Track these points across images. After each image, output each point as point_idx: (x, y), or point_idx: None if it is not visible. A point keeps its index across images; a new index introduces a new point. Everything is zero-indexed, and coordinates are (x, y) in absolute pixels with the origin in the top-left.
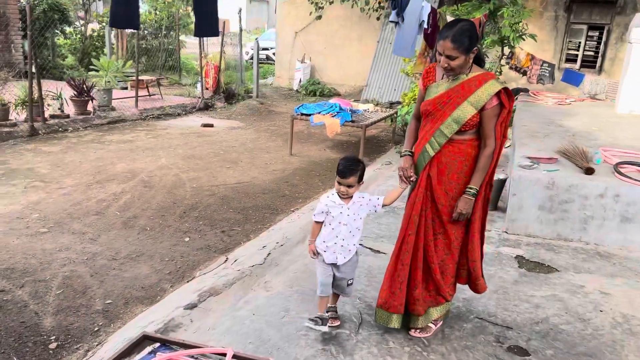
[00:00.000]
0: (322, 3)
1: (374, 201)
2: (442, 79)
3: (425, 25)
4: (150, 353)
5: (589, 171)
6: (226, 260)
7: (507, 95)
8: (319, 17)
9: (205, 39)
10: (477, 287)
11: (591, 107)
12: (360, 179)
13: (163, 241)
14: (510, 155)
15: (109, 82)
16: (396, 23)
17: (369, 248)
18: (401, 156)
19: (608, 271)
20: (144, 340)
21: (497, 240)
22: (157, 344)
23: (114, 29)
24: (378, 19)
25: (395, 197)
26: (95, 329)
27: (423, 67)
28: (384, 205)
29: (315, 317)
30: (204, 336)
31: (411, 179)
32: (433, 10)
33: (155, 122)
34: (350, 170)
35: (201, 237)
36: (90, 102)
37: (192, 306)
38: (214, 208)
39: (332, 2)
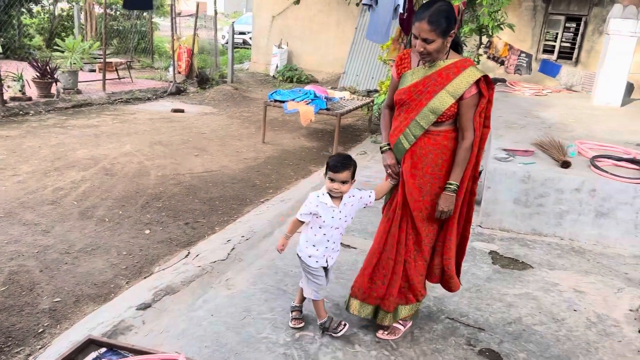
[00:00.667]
0: None
1: (365, 199)
2: (417, 65)
3: (400, 10)
4: (95, 359)
5: (565, 165)
6: (187, 255)
7: (486, 84)
8: (297, 2)
9: (178, 20)
10: (450, 285)
11: (567, 99)
12: (352, 176)
13: (122, 233)
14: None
15: (74, 63)
16: (369, 6)
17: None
18: (382, 151)
19: (583, 268)
20: (90, 344)
21: (471, 234)
22: (104, 349)
23: (83, 9)
24: (357, 4)
25: (385, 190)
26: (40, 330)
27: (398, 53)
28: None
29: (324, 322)
30: (156, 340)
31: (399, 175)
32: None
33: (123, 107)
34: (343, 164)
35: (163, 230)
36: (54, 84)
37: (145, 306)
38: (179, 198)
39: None
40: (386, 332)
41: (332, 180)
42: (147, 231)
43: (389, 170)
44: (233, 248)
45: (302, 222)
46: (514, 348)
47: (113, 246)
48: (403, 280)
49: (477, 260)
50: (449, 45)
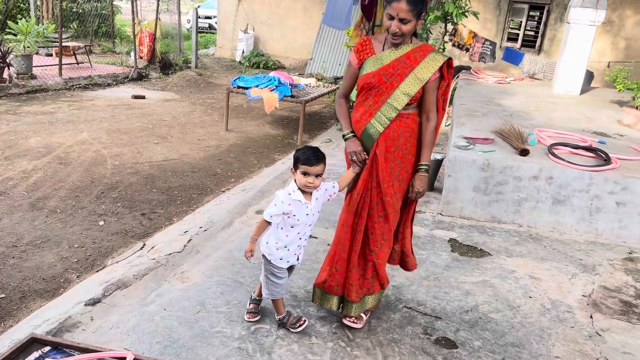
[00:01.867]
0: None
1: (330, 190)
2: (382, 50)
3: None
4: (38, 358)
5: (524, 152)
6: (143, 247)
7: (447, 67)
8: None
9: (140, 4)
10: (407, 265)
11: (529, 87)
12: (324, 170)
13: (74, 225)
14: (449, 134)
15: (28, 47)
16: None
17: None
18: (345, 139)
19: (539, 254)
20: (33, 343)
21: (432, 222)
22: (47, 348)
23: None
24: None
25: (348, 180)
26: None
27: (359, 39)
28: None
29: (282, 318)
30: (104, 336)
31: (366, 162)
32: None
33: (81, 93)
34: (317, 157)
35: (118, 221)
36: (6, 69)
37: (94, 301)
38: (136, 188)
39: None
40: (353, 319)
41: (305, 174)
42: (102, 222)
43: (354, 157)
44: (190, 239)
45: (270, 224)
46: (469, 336)
47: (64, 238)
48: (370, 270)
49: (437, 248)
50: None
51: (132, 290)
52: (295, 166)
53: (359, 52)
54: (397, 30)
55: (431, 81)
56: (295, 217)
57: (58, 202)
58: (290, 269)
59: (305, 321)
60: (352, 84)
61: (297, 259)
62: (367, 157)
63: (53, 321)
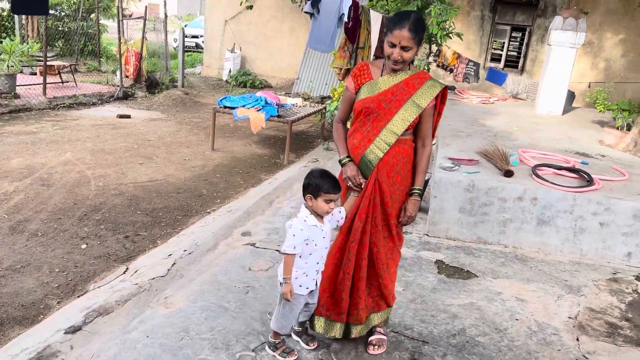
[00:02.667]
0: None
1: (336, 215)
2: (381, 76)
3: (345, 19)
4: None
5: (508, 174)
6: (126, 271)
7: (442, 96)
8: (250, 7)
9: (127, 23)
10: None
11: (513, 107)
12: None
13: (56, 249)
14: (434, 154)
15: (12, 66)
16: (311, 15)
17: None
18: (342, 164)
19: (525, 276)
20: None
21: (418, 243)
22: None
23: None
24: None
25: (353, 207)
26: None
27: (343, 61)
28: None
29: (276, 343)
30: None
31: (362, 186)
32: (355, 3)
33: (65, 112)
34: (337, 183)
35: (101, 244)
36: None
37: (75, 329)
38: (120, 210)
39: None
40: (377, 347)
41: (329, 201)
42: (84, 246)
43: (350, 183)
44: (174, 263)
45: (294, 256)
46: None
47: (45, 263)
48: (376, 289)
49: (424, 270)
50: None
51: (114, 316)
52: (316, 194)
53: (357, 77)
54: (399, 57)
55: (428, 108)
56: (313, 243)
57: (39, 224)
58: (311, 295)
59: (296, 355)
60: (350, 109)
61: (316, 284)
62: (363, 180)
63: (31, 350)
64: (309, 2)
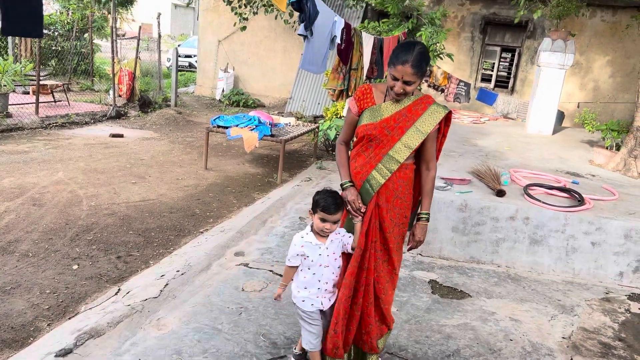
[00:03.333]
0: (246, 14)
1: (346, 238)
2: (384, 101)
3: (338, 41)
4: None
5: (500, 193)
6: (117, 292)
7: (446, 120)
8: (244, 28)
9: (120, 43)
10: None
11: (504, 127)
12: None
13: (47, 269)
14: None
15: (4, 85)
16: (305, 37)
17: (280, 275)
18: (343, 188)
19: (518, 295)
20: None
21: (412, 263)
22: None
23: None
24: None
25: (360, 235)
26: None
27: (337, 82)
28: (352, 247)
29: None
30: None
31: (362, 210)
32: (347, 26)
33: (58, 131)
34: (337, 205)
35: (92, 265)
36: None
37: (65, 352)
38: (112, 230)
39: (256, 13)
40: None
41: (323, 220)
42: (75, 266)
43: (349, 207)
44: (167, 284)
45: (294, 268)
46: None
47: (36, 284)
48: (378, 314)
49: (417, 290)
50: None
51: (105, 339)
52: (314, 210)
53: (360, 100)
54: (401, 91)
55: (431, 133)
56: (309, 259)
57: (30, 245)
58: (324, 315)
59: None
60: (352, 131)
61: (322, 303)
62: (362, 206)
63: None
64: (302, 25)
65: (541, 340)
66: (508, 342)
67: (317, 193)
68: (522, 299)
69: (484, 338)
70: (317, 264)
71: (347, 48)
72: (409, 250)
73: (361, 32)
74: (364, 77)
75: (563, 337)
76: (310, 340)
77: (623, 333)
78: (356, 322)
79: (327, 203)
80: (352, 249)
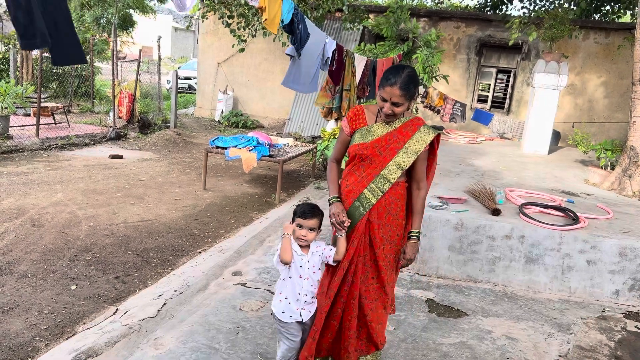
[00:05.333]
0: (244, 36)
1: (326, 251)
2: (375, 122)
3: (329, 62)
4: None
5: (496, 212)
6: (116, 312)
7: (436, 141)
8: (242, 50)
9: (120, 65)
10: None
11: (500, 147)
12: (319, 225)
13: (45, 290)
14: None
15: (6, 108)
16: (291, 56)
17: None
18: (330, 204)
19: (515, 314)
20: None
21: (409, 282)
22: None
23: (19, 52)
24: None
25: (344, 249)
26: None
27: (325, 100)
28: (335, 261)
29: None
30: None
31: (345, 225)
32: (338, 47)
33: (57, 153)
34: (312, 211)
35: (91, 285)
36: None
37: None
38: (110, 250)
39: (255, 36)
40: None
41: (299, 226)
42: (74, 287)
43: (333, 219)
44: (164, 304)
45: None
46: None
47: (34, 304)
48: (364, 332)
49: (414, 309)
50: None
51: (102, 358)
52: (293, 219)
53: (352, 121)
54: (390, 112)
55: (422, 153)
56: (293, 266)
57: (29, 265)
58: (303, 331)
59: None
60: (344, 149)
61: (300, 315)
62: (346, 219)
63: None
64: (291, 46)
65: (538, 358)
66: None
67: (297, 205)
68: (518, 318)
69: (481, 357)
70: (297, 274)
71: (338, 69)
72: (399, 268)
73: (353, 54)
74: (355, 97)
75: (559, 356)
76: (287, 354)
77: (619, 351)
78: (331, 333)
79: (303, 209)
80: (335, 262)
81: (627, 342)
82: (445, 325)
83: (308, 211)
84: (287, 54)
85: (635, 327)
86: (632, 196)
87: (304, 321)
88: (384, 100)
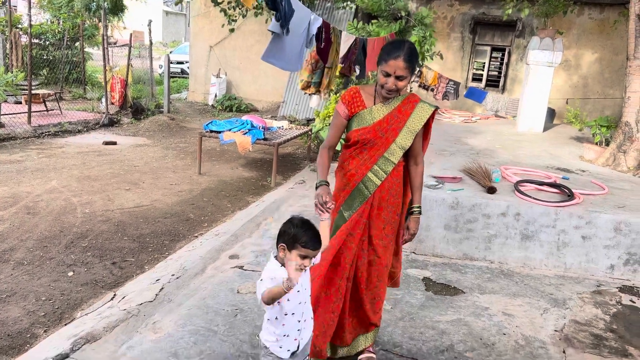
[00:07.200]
0: (235, 16)
1: (315, 259)
2: (374, 104)
3: (316, 41)
4: None
5: (491, 190)
6: (113, 297)
7: (431, 116)
8: (232, 30)
9: (112, 50)
10: (395, 284)
11: (495, 125)
12: None
13: (42, 277)
14: None
15: None
16: (274, 33)
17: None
18: (317, 187)
19: (511, 290)
20: None
21: (405, 261)
22: None
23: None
24: None
25: (328, 235)
26: None
27: (306, 74)
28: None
29: None
30: None
31: (328, 206)
32: (325, 25)
33: (50, 140)
34: (318, 237)
35: (88, 271)
36: None
37: (62, 357)
38: (107, 236)
39: (245, 16)
40: None
41: (304, 257)
42: (71, 273)
43: (316, 200)
44: (162, 288)
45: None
46: None
47: (31, 291)
48: (360, 311)
49: (411, 287)
50: None
51: (101, 343)
52: (291, 245)
53: (350, 104)
54: (394, 87)
55: (419, 130)
56: (285, 299)
57: (25, 253)
58: (293, 356)
59: None
60: (340, 135)
61: (298, 347)
62: (330, 202)
63: None
64: (275, 23)
65: (534, 333)
66: (501, 336)
67: (291, 225)
68: (514, 294)
69: (478, 333)
70: (297, 302)
71: (326, 47)
72: (403, 243)
73: (340, 32)
74: (339, 74)
75: (555, 330)
76: None
77: (614, 324)
78: (333, 327)
79: (309, 237)
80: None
81: (622, 315)
82: (442, 303)
83: (315, 240)
84: (269, 30)
85: (630, 300)
86: (626, 171)
87: (299, 351)
88: (387, 75)
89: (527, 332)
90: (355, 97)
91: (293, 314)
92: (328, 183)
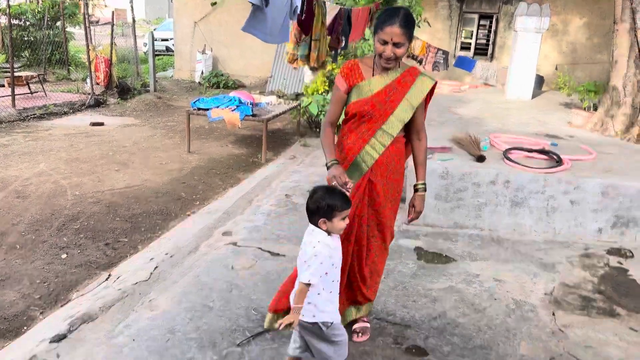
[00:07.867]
0: None
1: None
2: (373, 76)
3: (298, 12)
4: None
5: (481, 159)
6: (108, 278)
7: (431, 90)
8: (214, 4)
9: (94, 29)
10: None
11: (484, 94)
12: None
13: (35, 260)
14: None
15: None
16: (255, 5)
17: (268, 251)
18: (328, 167)
19: (501, 257)
20: None
21: (397, 232)
22: None
23: None
24: None
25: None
26: None
27: (291, 46)
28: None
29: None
30: None
31: (348, 186)
32: None
33: (36, 123)
34: (347, 196)
35: (81, 253)
36: None
37: (60, 337)
38: (98, 217)
39: None
40: (360, 334)
41: (345, 218)
42: (64, 255)
43: (334, 182)
44: (156, 267)
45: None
46: (439, 342)
47: (25, 275)
48: (354, 285)
49: (403, 257)
50: None
51: (98, 323)
52: (329, 215)
53: (348, 77)
54: (392, 55)
55: (420, 103)
56: (333, 266)
57: (17, 237)
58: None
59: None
60: (341, 109)
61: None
62: (349, 181)
63: None
64: None
65: (524, 297)
66: (492, 302)
67: (319, 199)
68: (505, 260)
69: (469, 299)
70: (335, 267)
71: (308, 18)
72: (410, 222)
73: (324, 2)
74: (328, 48)
75: (545, 294)
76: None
77: (602, 286)
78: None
79: (341, 200)
80: None
81: (610, 276)
82: (434, 271)
83: (347, 198)
84: (250, 2)
85: (618, 262)
86: (614, 136)
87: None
88: (384, 42)
89: (517, 296)
90: (353, 69)
91: (333, 280)
92: (339, 161)
